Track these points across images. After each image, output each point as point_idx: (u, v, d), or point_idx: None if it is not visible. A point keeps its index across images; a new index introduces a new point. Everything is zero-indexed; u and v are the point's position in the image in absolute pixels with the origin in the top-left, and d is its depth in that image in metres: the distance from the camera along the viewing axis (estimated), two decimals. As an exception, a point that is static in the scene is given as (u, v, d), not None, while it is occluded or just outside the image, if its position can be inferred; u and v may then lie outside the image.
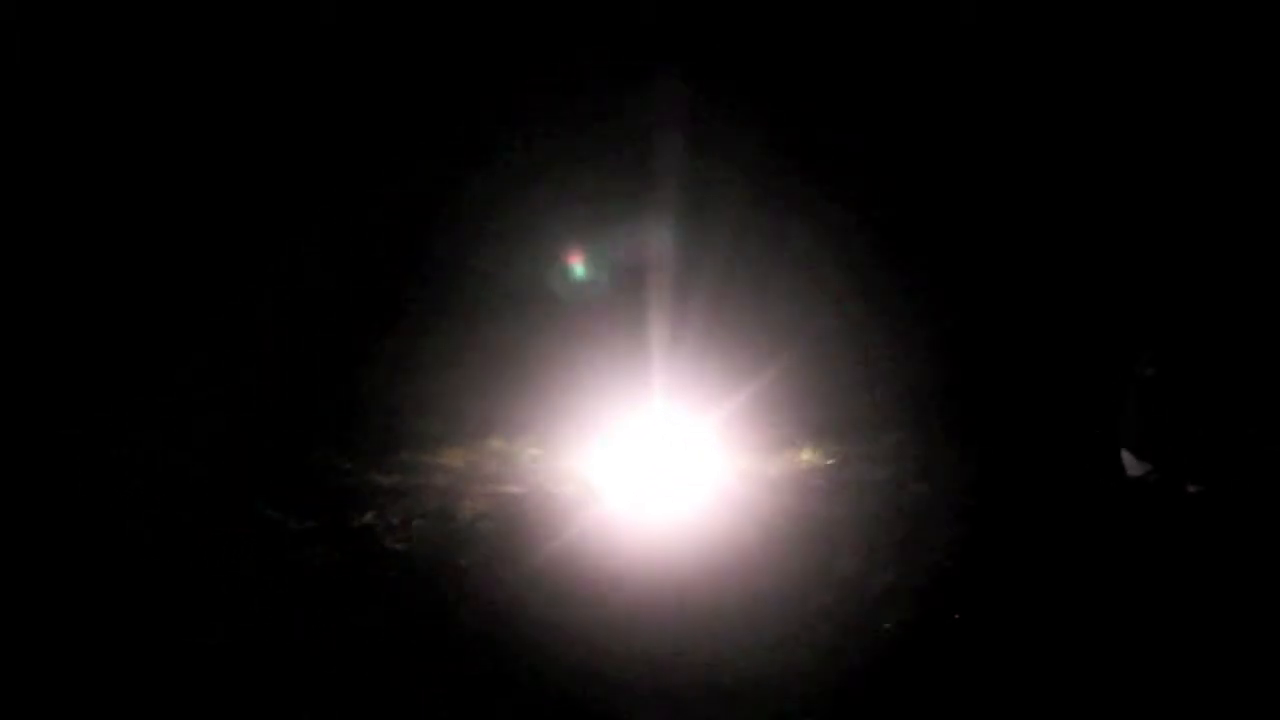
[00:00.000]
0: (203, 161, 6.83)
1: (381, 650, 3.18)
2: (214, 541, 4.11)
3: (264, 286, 6.48)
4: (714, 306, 6.48)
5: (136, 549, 4.01)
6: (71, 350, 5.87)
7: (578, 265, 6.81)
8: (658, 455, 5.00)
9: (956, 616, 3.30)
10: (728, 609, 3.41)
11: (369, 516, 4.35)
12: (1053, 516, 4.31)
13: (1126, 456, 4.57)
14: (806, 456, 5.15)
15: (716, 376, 5.66)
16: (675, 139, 6.87)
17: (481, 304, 6.71)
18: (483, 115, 7.11)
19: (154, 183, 6.79)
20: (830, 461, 5.07)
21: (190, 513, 4.34)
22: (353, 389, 5.86)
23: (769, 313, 6.10)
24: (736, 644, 3.18)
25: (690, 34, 7.19)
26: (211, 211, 6.75)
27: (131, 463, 4.81)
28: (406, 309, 6.67)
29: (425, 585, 3.68)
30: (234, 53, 6.95)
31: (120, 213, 6.69)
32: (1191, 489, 4.36)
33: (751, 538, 4.03)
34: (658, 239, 6.70)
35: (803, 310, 6.32)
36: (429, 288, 6.79)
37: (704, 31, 7.22)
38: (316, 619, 3.44)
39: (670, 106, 6.88)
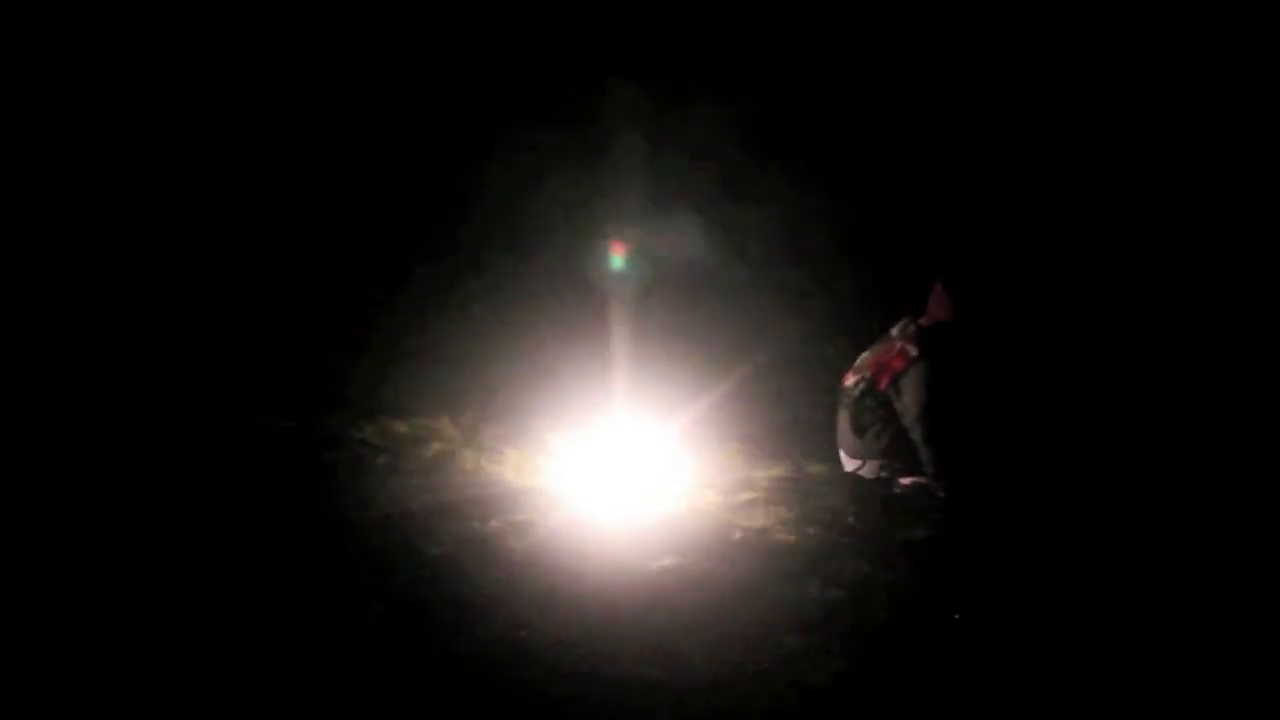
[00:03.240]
0: (204, 160, 6.92)
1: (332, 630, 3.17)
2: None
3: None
4: (683, 308, 6.60)
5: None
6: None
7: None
8: (627, 457, 4.98)
9: (956, 617, 3.32)
10: (695, 610, 3.41)
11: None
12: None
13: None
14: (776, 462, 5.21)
15: (686, 378, 5.70)
16: (639, 141, 6.94)
17: (462, 303, 6.80)
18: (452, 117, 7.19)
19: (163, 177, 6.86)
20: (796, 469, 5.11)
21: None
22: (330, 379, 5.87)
23: (739, 315, 6.11)
24: (707, 644, 3.17)
25: (669, 32, 7.26)
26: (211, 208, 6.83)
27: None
28: (388, 305, 6.74)
29: (391, 573, 3.63)
30: (235, 53, 7.02)
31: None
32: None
33: (722, 541, 4.05)
34: (633, 240, 6.79)
35: (775, 313, 6.43)
36: (410, 284, 6.87)
37: (685, 29, 7.30)
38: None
39: (637, 106, 6.95)
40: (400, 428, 5.31)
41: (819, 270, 6.86)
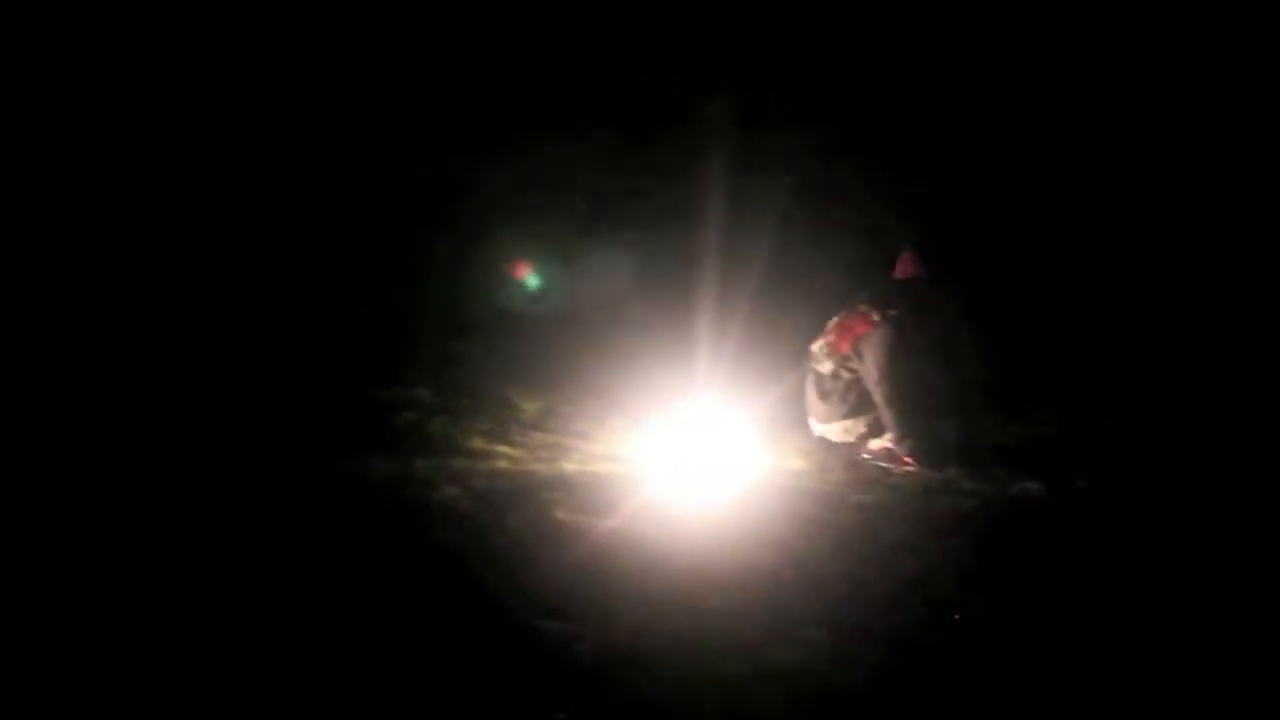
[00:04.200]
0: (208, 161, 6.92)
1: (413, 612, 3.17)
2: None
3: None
4: (760, 299, 6.58)
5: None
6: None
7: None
8: (702, 444, 4.93)
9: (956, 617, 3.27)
10: (767, 597, 3.38)
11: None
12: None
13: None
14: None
15: (761, 369, 5.66)
16: (717, 142, 7.01)
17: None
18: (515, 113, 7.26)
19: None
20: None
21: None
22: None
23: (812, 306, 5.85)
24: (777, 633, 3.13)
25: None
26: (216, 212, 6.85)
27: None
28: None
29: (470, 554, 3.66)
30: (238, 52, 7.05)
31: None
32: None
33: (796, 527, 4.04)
34: (704, 229, 6.78)
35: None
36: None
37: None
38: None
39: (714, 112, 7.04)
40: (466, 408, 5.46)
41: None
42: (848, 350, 4.97)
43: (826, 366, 5.06)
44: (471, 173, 7.28)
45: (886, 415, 4.90)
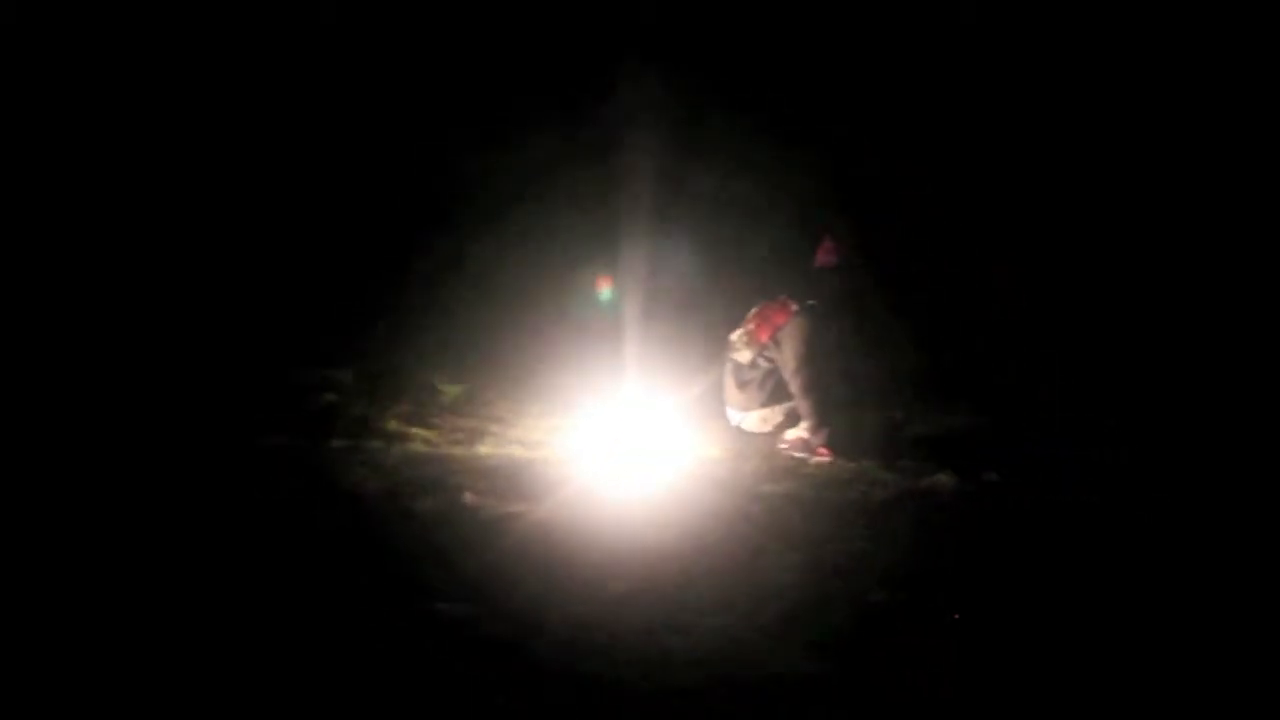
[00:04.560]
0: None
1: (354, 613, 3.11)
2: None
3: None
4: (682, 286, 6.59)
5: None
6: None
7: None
8: (622, 431, 4.99)
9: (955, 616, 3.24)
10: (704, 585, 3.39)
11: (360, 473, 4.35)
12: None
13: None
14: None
15: (682, 357, 5.69)
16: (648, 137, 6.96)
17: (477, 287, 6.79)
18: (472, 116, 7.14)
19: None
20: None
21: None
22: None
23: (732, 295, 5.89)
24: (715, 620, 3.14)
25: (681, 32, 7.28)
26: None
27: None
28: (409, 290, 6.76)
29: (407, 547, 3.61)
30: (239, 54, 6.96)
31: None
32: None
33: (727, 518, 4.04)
34: (630, 214, 6.71)
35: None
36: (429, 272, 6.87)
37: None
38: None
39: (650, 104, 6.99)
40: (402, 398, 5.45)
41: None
42: (766, 340, 5.00)
43: (745, 356, 5.08)
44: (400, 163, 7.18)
45: (802, 405, 4.94)
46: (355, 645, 2.90)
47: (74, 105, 6.66)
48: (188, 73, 6.88)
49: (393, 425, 5.05)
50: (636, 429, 5.01)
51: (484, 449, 4.85)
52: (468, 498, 4.04)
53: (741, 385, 5.10)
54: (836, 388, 4.90)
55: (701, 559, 3.62)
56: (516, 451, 4.86)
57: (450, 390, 5.63)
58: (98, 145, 6.64)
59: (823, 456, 4.88)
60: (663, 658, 2.90)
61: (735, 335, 5.13)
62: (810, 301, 4.96)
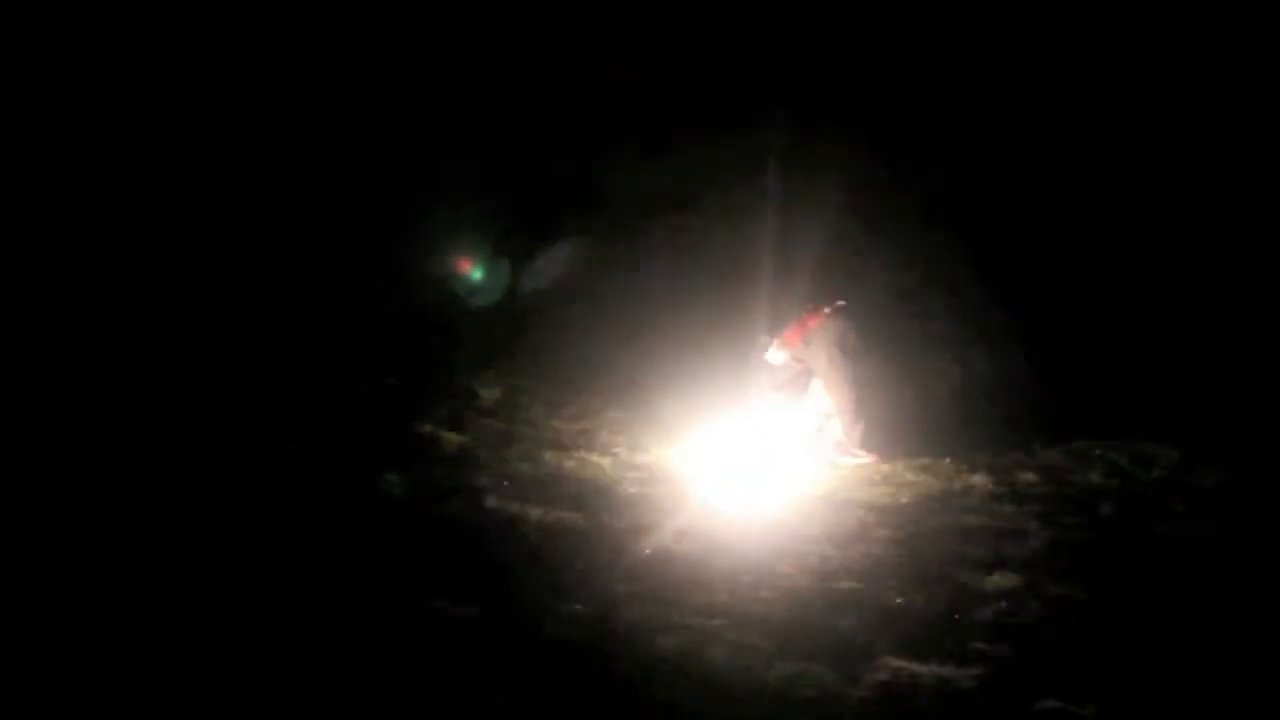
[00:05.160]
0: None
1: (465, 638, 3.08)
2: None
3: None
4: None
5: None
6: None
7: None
8: (753, 457, 4.89)
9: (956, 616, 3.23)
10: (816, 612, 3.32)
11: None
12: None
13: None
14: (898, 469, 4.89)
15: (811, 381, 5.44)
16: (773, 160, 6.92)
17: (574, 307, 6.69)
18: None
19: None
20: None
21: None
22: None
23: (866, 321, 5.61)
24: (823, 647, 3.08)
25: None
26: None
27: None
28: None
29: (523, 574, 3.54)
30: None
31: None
32: None
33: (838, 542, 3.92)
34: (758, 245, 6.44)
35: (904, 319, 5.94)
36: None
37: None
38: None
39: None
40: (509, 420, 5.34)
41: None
42: (799, 341, 4.99)
43: (778, 357, 5.08)
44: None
45: (835, 404, 4.91)
46: (358, 643, 2.96)
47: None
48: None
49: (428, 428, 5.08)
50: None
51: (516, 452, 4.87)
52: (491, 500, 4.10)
53: (776, 387, 5.10)
54: (873, 386, 4.87)
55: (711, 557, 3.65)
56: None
57: (487, 393, 5.64)
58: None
59: (858, 455, 4.84)
60: (658, 660, 2.94)
61: (767, 338, 5.13)
62: (842, 302, 4.95)
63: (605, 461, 4.73)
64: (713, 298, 6.28)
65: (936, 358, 5.42)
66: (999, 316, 5.89)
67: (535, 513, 3.99)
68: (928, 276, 5.51)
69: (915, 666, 2.91)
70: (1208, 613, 3.25)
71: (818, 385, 5.00)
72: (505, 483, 4.32)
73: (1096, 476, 4.67)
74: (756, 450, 4.95)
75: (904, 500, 4.34)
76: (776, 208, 6.47)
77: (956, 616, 3.21)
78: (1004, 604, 3.31)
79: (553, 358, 6.11)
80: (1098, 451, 4.93)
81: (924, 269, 5.60)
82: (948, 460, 4.77)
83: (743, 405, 5.28)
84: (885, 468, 4.74)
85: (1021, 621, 3.22)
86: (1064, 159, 6.95)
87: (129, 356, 5.36)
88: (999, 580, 3.48)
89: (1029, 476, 4.63)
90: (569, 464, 4.67)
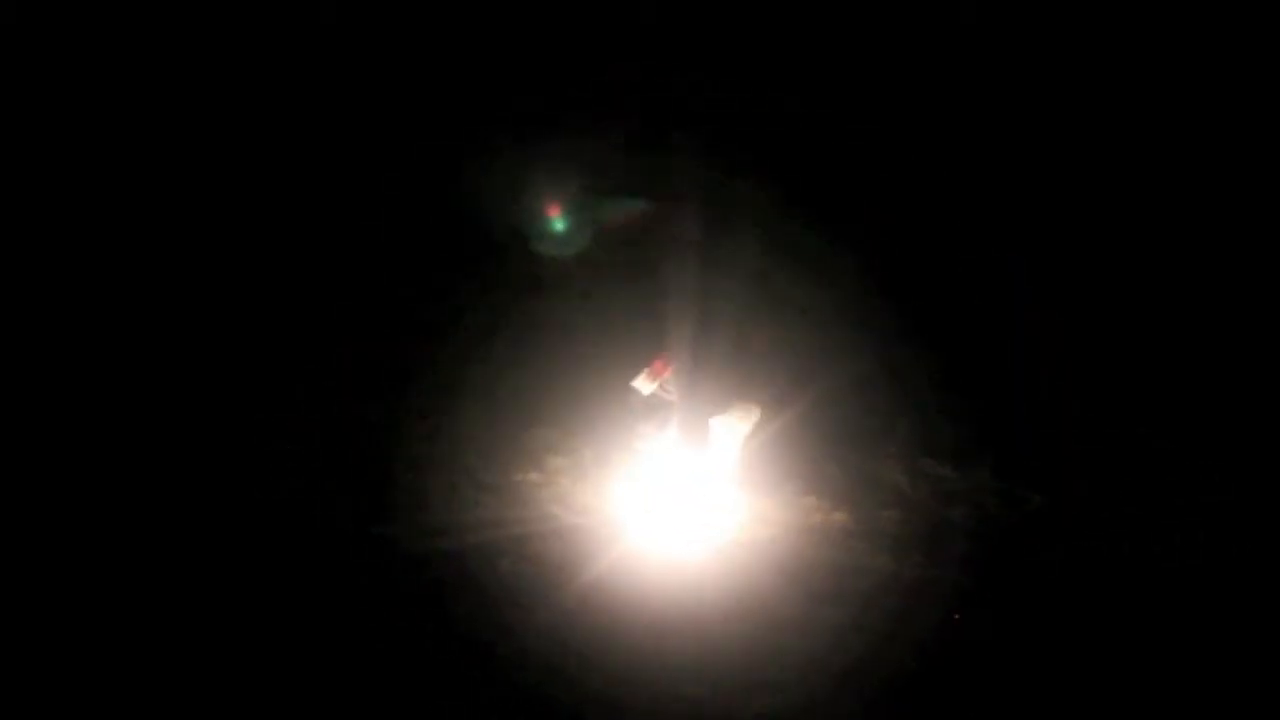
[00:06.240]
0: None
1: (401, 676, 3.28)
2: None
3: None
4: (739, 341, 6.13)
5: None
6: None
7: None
8: (680, 492, 5.07)
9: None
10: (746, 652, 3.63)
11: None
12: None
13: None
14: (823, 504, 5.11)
15: (740, 412, 5.59)
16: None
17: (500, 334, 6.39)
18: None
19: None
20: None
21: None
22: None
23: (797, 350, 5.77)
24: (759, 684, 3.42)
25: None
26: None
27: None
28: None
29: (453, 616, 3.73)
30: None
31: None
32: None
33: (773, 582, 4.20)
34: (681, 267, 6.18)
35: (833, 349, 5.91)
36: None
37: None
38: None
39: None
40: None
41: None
42: (664, 370, 5.34)
43: (647, 388, 5.37)
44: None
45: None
46: (358, 644, 3.24)
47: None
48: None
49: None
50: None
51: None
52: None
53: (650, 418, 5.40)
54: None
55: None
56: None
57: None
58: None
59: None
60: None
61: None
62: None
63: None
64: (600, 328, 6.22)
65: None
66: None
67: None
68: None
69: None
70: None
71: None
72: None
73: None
74: (644, 491, 5.22)
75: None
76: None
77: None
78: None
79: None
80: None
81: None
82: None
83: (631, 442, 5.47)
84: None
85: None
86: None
87: (129, 357, 5.43)
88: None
89: (891, 514, 4.93)
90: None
